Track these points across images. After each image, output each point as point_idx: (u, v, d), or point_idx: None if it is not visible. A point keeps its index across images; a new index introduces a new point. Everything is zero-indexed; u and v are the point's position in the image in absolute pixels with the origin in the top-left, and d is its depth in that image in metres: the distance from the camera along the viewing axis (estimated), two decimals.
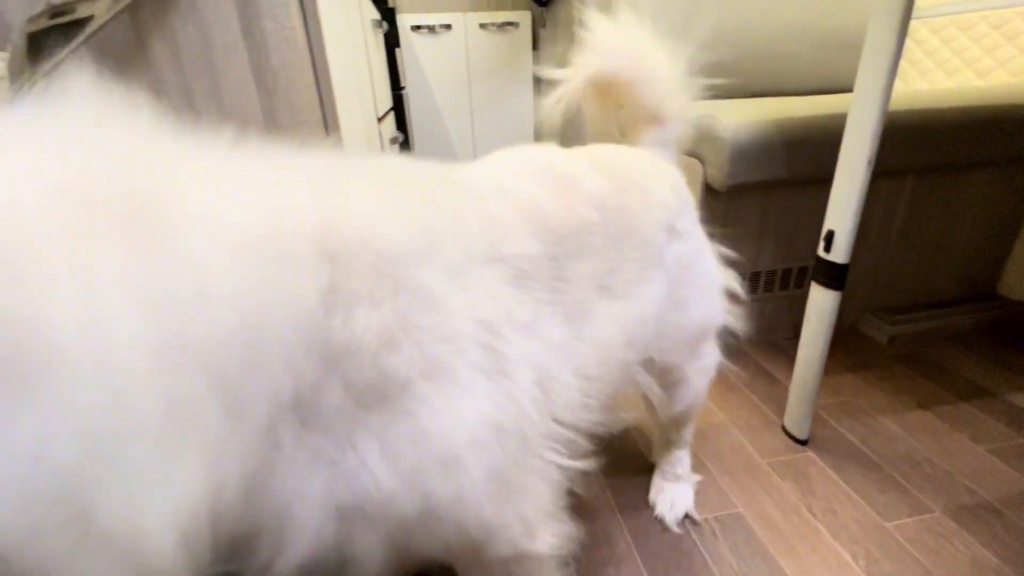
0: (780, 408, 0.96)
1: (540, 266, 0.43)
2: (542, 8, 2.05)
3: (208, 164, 0.30)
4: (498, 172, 0.48)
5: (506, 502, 0.39)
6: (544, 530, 0.43)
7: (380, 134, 1.14)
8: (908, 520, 0.74)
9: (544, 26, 2.11)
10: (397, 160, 0.45)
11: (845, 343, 1.19)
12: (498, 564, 0.43)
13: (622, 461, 0.87)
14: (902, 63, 1.43)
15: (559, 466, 0.44)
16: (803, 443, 0.90)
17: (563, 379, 0.43)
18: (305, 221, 0.31)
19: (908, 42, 1.40)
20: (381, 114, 1.23)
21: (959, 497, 0.78)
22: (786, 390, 0.93)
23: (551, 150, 0.54)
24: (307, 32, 0.54)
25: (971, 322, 1.22)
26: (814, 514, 0.76)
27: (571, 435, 0.45)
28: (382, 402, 0.32)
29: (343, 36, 0.75)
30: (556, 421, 0.43)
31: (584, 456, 0.50)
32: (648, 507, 0.78)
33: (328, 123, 0.56)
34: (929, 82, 1.38)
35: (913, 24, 1.38)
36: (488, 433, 0.36)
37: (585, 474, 0.48)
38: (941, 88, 1.34)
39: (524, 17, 2.14)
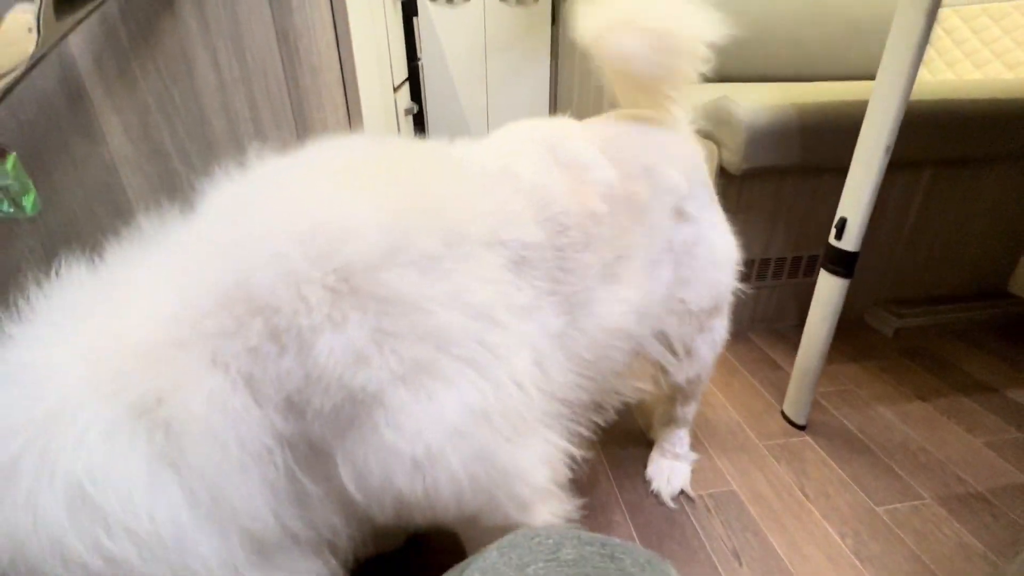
0: (780, 394, 0.98)
1: (543, 255, 0.43)
2: None
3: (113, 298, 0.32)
4: (506, 152, 0.48)
5: (495, 483, 0.39)
6: (540, 507, 0.44)
7: (396, 103, 1.13)
8: (899, 505, 0.76)
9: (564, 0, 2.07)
10: (381, 142, 0.44)
11: (850, 333, 1.19)
12: (496, 531, 0.44)
13: (621, 436, 0.89)
14: (929, 53, 1.39)
15: (559, 443, 0.45)
16: (801, 428, 0.91)
17: (559, 362, 0.44)
18: (214, 290, 0.31)
19: (937, 31, 1.37)
20: (397, 83, 1.22)
21: (950, 486, 0.79)
22: (787, 377, 0.94)
23: (562, 127, 0.53)
24: None
25: (979, 318, 1.22)
26: (807, 496, 0.78)
27: (571, 410, 0.46)
28: (352, 423, 0.33)
29: (362, 2, 0.75)
30: (556, 399, 0.44)
31: (588, 428, 0.51)
32: (644, 481, 0.81)
33: (347, 86, 0.57)
34: (956, 73, 1.35)
35: (943, 12, 1.34)
36: (471, 421, 0.36)
37: (585, 448, 0.50)
38: (967, 79, 1.31)
39: None
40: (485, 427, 0.37)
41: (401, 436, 0.34)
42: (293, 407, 0.32)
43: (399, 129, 1.18)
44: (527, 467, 0.41)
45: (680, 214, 0.56)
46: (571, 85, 2.06)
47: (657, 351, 0.62)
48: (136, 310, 0.31)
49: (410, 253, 0.35)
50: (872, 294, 1.24)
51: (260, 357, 0.31)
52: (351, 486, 0.35)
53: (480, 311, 0.37)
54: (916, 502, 0.77)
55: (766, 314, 1.21)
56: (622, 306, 0.50)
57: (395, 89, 1.15)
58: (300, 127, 0.55)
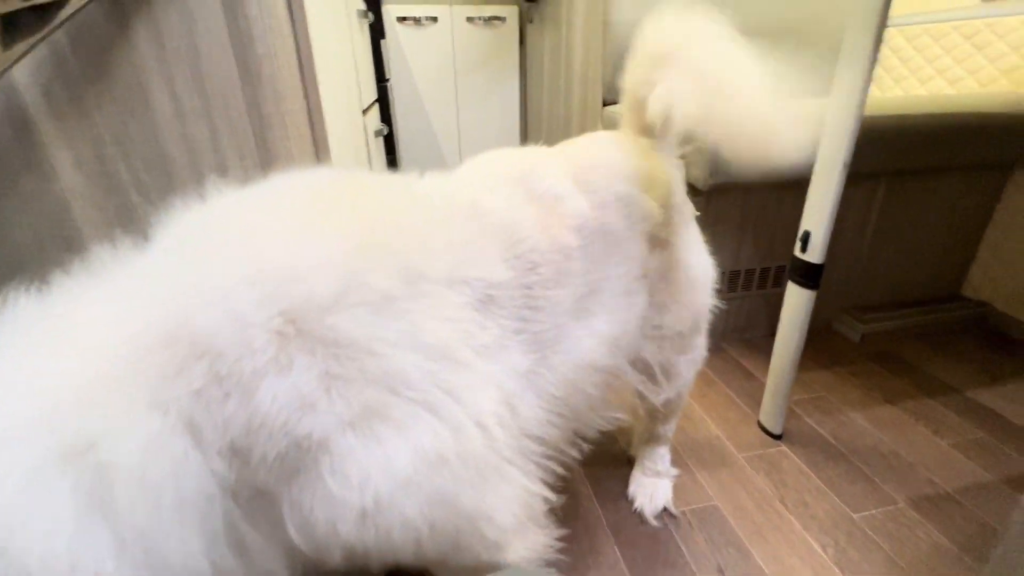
0: (756, 403, 0.99)
1: (510, 294, 0.42)
2: (529, 3, 2.04)
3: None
4: (476, 186, 0.47)
5: (458, 528, 0.38)
6: (515, 543, 0.43)
7: (365, 126, 1.13)
8: (874, 511, 0.77)
9: (531, 21, 2.11)
10: (343, 175, 0.43)
11: (819, 340, 1.22)
12: (469, 570, 0.43)
13: (602, 455, 0.88)
14: (878, 70, 1.46)
15: (530, 482, 0.43)
16: (777, 437, 0.93)
17: (529, 400, 0.43)
18: (157, 329, 0.30)
19: (884, 49, 1.44)
20: (366, 106, 1.22)
21: (921, 488, 0.81)
22: (762, 386, 0.95)
23: (534, 159, 0.52)
24: (292, 21, 0.53)
25: (938, 321, 1.27)
26: (787, 506, 0.79)
27: (545, 448, 0.46)
28: (297, 470, 0.32)
29: (328, 26, 0.74)
30: (528, 436, 0.43)
31: (564, 463, 0.51)
32: (627, 500, 0.80)
33: (312, 113, 0.56)
34: (903, 89, 1.42)
35: (889, 32, 1.42)
36: (426, 466, 0.35)
37: (563, 478, 0.49)
38: (914, 95, 1.39)
39: (511, 12, 2.13)
40: (443, 471, 0.36)
41: (347, 485, 0.32)
42: (237, 453, 0.31)
43: (369, 151, 1.17)
44: (493, 508, 0.40)
45: (655, 240, 0.56)
46: (540, 104, 2.09)
47: (635, 379, 0.62)
48: (79, 345, 0.30)
49: (363, 293, 0.34)
50: (839, 301, 1.27)
51: (202, 401, 0.30)
52: (296, 535, 0.33)
53: (439, 352, 0.36)
54: (890, 507, 0.78)
55: (738, 324, 1.24)
56: (595, 340, 0.49)
57: (364, 112, 1.14)
58: (264, 156, 0.54)
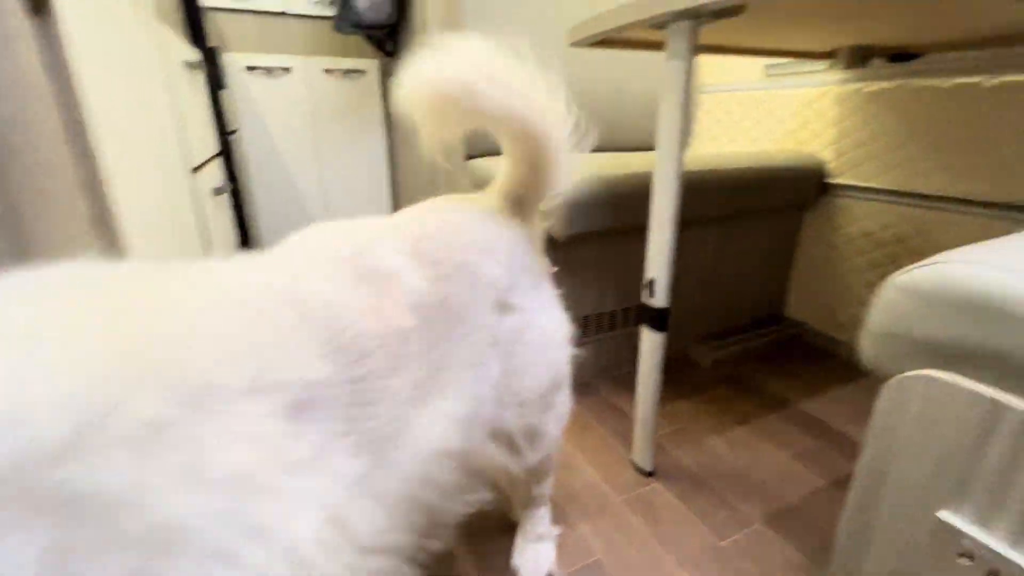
0: (629, 442, 1.02)
1: (332, 393, 0.37)
2: (389, 58, 2.05)
3: None
4: (293, 268, 0.42)
5: None
6: None
7: (195, 186, 1.00)
8: (737, 536, 0.82)
9: (393, 75, 2.12)
10: (107, 269, 0.35)
11: (678, 370, 1.32)
12: None
13: (486, 527, 0.83)
14: (698, 129, 1.71)
15: None
16: (650, 474, 0.96)
17: (366, 510, 0.38)
18: None
19: (700, 112, 1.68)
20: (199, 163, 1.09)
21: (771, 504, 0.89)
22: (632, 424, 0.98)
23: (367, 231, 0.49)
24: (56, 77, 0.44)
25: (770, 342, 1.46)
26: (663, 546, 0.80)
27: (392, 555, 0.40)
28: None
29: (123, 81, 0.65)
30: (367, 550, 0.38)
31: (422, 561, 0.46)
32: (513, 573, 0.76)
33: (90, 187, 0.46)
34: (716, 146, 1.67)
35: (703, 97, 1.66)
36: None
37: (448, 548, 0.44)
38: (725, 152, 1.63)
39: (371, 65, 2.13)
40: None
41: None
42: None
43: (204, 213, 1.04)
44: None
45: (503, 306, 0.55)
46: (410, 159, 2.08)
47: (495, 453, 0.59)
48: None
49: (119, 427, 0.26)
50: (691, 331, 1.40)
51: None
52: None
53: (234, 482, 0.30)
54: (748, 528, 0.84)
55: (608, 363, 1.29)
56: (444, 423, 0.45)
57: (195, 170, 1.02)
58: (15, 245, 0.42)
